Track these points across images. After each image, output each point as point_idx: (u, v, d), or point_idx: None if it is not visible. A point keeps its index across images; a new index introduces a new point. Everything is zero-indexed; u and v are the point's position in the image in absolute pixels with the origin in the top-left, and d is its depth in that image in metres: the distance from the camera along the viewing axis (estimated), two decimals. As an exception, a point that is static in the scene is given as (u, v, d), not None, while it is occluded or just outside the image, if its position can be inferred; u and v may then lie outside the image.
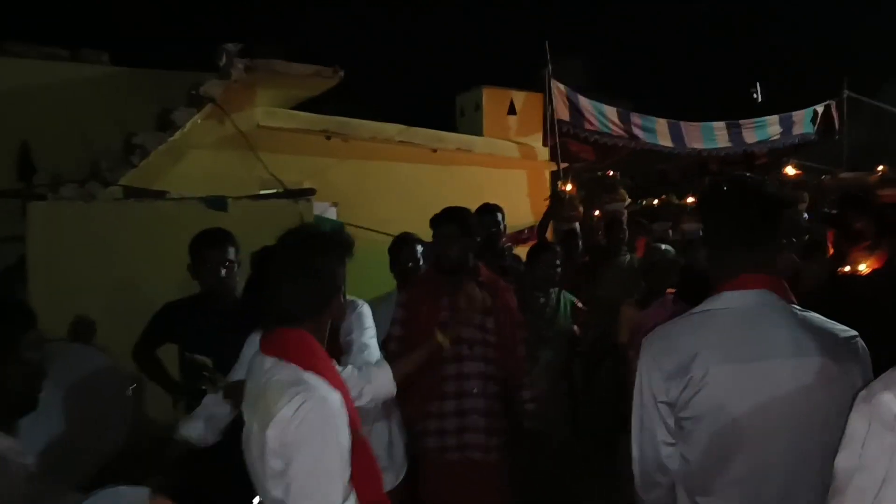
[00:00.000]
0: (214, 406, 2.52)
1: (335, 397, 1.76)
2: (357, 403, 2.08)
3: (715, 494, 1.69)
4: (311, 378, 1.76)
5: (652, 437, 1.74)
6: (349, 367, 2.33)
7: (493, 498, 3.22)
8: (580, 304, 4.38)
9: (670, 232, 7.82)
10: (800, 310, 1.74)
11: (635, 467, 1.80)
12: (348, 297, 2.21)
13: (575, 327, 4.28)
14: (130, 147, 5.80)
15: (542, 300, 4.19)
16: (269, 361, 1.82)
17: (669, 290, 3.92)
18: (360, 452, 1.80)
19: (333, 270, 1.89)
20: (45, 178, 5.47)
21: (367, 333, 2.80)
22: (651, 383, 1.73)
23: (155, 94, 6.37)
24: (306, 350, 1.82)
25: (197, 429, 2.51)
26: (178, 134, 5.94)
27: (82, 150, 5.94)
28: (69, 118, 6.22)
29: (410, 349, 3.10)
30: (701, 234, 1.91)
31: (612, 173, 9.17)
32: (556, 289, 4.30)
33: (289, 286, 1.87)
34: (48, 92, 6.36)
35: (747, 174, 1.91)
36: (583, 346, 4.46)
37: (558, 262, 4.24)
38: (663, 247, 4.61)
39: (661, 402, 1.71)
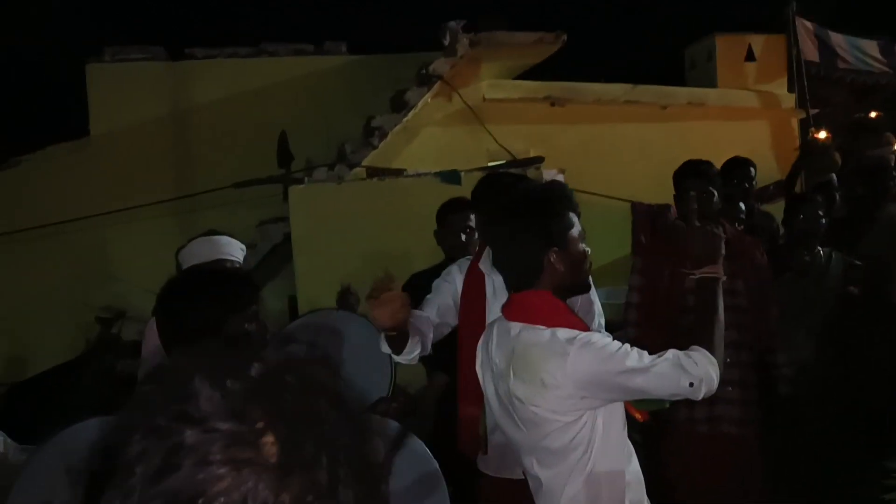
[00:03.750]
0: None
1: (597, 335, 1.81)
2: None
3: None
4: (565, 331, 1.79)
5: None
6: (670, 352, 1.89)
7: (747, 476, 2.97)
8: (857, 262, 3.87)
9: None
10: None
11: None
12: None
13: (851, 288, 3.77)
14: (370, 130, 6.24)
15: (807, 258, 3.76)
16: (515, 327, 1.85)
17: None
18: None
19: (537, 227, 1.84)
20: (300, 164, 6.07)
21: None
22: None
23: (389, 77, 6.77)
24: (546, 310, 1.83)
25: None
26: (410, 114, 6.26)
27: (329, 136, 6.51)
28: (316, 107, 6.83)
29: (650, 318, 3.00)
30: None
31: (875, 114, 8.10)
32: (826, 248, 3.84)
33: (499, 251, 1.93)
34: (298, 85, 7.01)
35: None
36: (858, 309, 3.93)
37: (822, 213, 3.82)
38: None
39: None
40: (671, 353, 1.82)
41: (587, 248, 1.92)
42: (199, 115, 6.96)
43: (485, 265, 2.68)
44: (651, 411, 1.98)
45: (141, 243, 6.39)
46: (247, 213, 6.27)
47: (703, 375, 1.82)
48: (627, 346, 1.81)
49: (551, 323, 1.80)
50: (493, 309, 2.72)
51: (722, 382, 2.83)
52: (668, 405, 2.07)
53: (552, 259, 1.83)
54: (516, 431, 1.88)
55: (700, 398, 1.86)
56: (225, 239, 2.82)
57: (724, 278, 2.04)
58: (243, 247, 2.78)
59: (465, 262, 2.84)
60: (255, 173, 6.03)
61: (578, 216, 1.93)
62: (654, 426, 2.33)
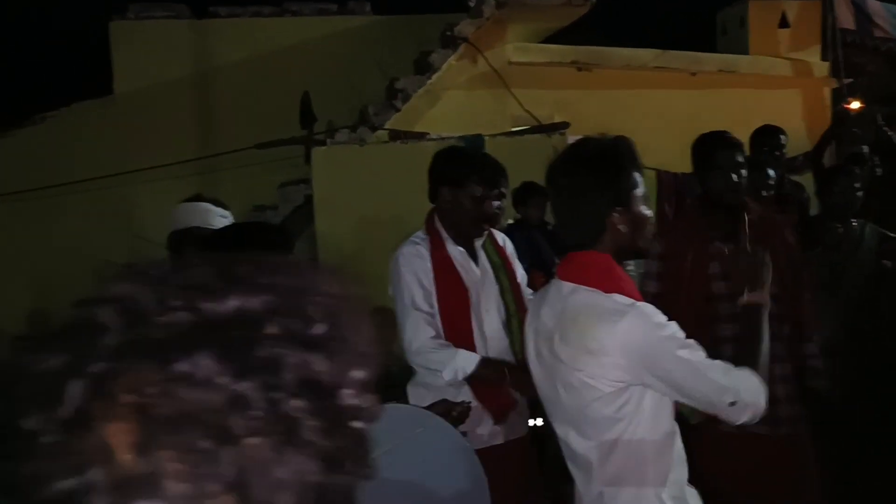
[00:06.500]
0: None
1: (652, 309, 1.73)
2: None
3: None
4: (621, 298, 1.71)
5: None
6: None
7: (787, 479, 2.68)
8: (892, 235, 3.74)
9: None
10: None
11: None
12: None
13: (886, 262, 3.65)
14: (393, 92, 6.16)
15: (841, 231, 3.65)
16: (568, 287, 1.78)
17: None
18: None
19: (597, 186, 1.76)
20: (322, 125, 6.02)
21: None
22: None
23: (413, 38, 6.67)
24: (603, 273, 1.76)
25: None
26: (434, 77, 6.18)
27: (352, 98, 6.45)
28: (339, 68, 6.76)
29: (671, 307, 2.78)
30: None
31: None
32: (860, 220, 3.70)
33: (562, 206, 1.85)
34: (321, 45, 6.94)
35: None
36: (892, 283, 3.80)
37: (858, 185, 3.67)
38: None
39: None
40: (725, 364, 1.74)
41: (650, 212, 1.86)
42: (222, 75, 6.92)
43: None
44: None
45: (163, 202, 6.40)
46: (268, 174, 6.26)
47: (750, 401, 1.72)
48: (683, 335, 1.73)
49: (607, 287, 1.73)
50: (487, 289, 2.68)
51: None
52: (692, 420, 1.99)
53: (615, 219, 1.76)
54: (556, 396, 1.80)
55: (738, 422, 1.75)
56: (203, 206, 2.79)
57: (770, 305, 1.99)
58: (225, 213, 2.73)
59: (410, 248, 2.67)
60: (278, 134, 6.01)
61: (642, 177, 1.86)
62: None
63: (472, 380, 2.54)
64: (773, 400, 2.67)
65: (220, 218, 2.70)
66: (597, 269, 1.77)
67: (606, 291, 1.72)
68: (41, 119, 6.73)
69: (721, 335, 2.70)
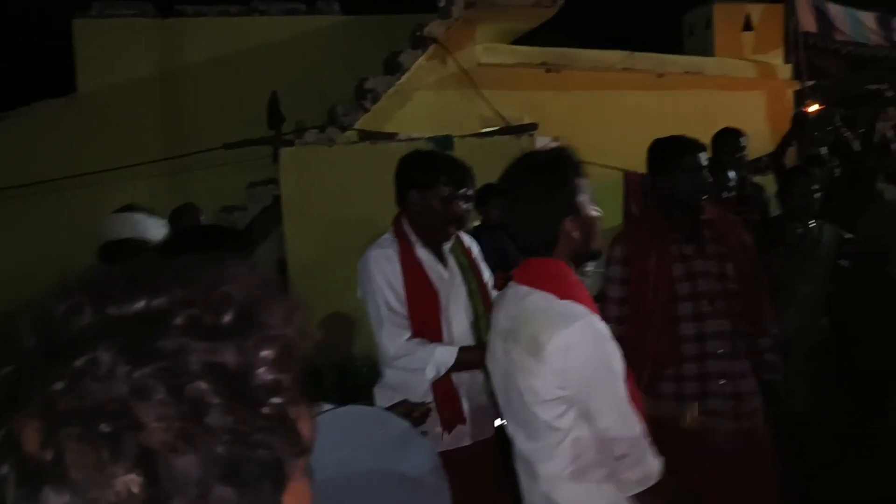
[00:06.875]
0: None
1: (599, 322, 1.75)
2: None
3: None
4: (571, 305, 1.75)
5: None
6: None
7: (754, 471, 2.72)
8: (848, 235, 3.83)
9: None
10: None
11: None
12: None
13: (843, 262, 3.73)
14: (362, 92, 6.15)
15: (800, 231, 3.74)
16: (524, 290, 1.83)
17: None
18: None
19: (548, 196, 1.83)
20: (291, 125, 5.99)
21: None
22: None
23: (382, 38, 6.67)
24: (558, 277, 1.81)
25: None
26: (404, 77, 6.18)
27: (321, 98, 6.42)
28: (308, 68, 6.73)
29: (637, 310, 2.74)
30: None
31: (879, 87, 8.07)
32: (818, 220, 3.79)
33: (516, 218, 1.91)
34: (289, 45, 6.90)
35: None
36: (852, 283, 3.89)
37: (816, 186, 3.74)
38: None
39: None
40: (636, 419, 1.76)
41: (599, 212, 1.91)
42: (189, 74, 6.85)
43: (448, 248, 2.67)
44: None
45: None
46: (236, 174, 6.20)
47: (644, 462, 1.75)
48: (622, 366, 1.75)
49: (562, 293, 1.77)
50: (455, 291, 2.68)
51: (714, 376, 2.71)
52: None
53: (568, 226, 1.82)
54: (507, 397, 1.86)
55: (624, 479, 1.75)
56: (139, 216, 2.76)
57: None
58: (162, 223, 2.71)
59: (379, 251, 2.64)
60: (246, 134, 5.96)
61: (587, 181, 1.91)
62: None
63: (453, 370, 2.56)
64: (737, 395, 2.78)
65: (155, 228, 2.67)
66: (552, 275, 1.82)
67: (561, 297, 1.76)
68: (1, 117, 6.59)
69: (684, 334, 2.75)
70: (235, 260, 0.65)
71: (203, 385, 0.55)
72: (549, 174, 1.86)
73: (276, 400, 0.58)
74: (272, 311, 0.61)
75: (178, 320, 0.57)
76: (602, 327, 1.75)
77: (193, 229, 2.13)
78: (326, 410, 1.67)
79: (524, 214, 1.88)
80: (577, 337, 1.69)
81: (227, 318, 0.58)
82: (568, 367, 1.70)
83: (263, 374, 0.58)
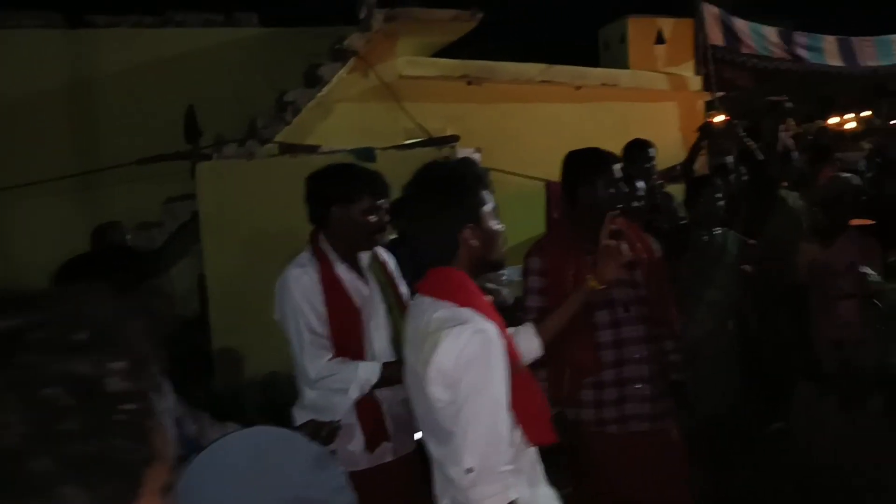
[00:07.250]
0: None
1: (491, 328, 1.78)
2: None
3: None
4: (467, 312, 1.78)
5: None
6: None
7: (668, 470, 2.81)
8: (751, 241, 4.02)
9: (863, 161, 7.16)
10: None
11: None
12: None
13: (746, 267, 3.90)
14: (283, 105, 6.08)
15: (706, 238, 3.91)
16: (426, 301, 1.86)
17: (854, 222, 3.60)
18: (521, 383, 1.82)
19: (450, 205, 1.86)
20: (210, 139, 5.86)
21: None
22: None
23: (302, 51, 6.61)
24: (457, 287, 1.84)
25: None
26: (325, 89, 6.15)
27: (240, 111, 6.31)
28: (227, 80, 6.61)
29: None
30: None
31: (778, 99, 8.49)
32: (723, 228, 3.96)
33: (415, 228, 1.93)
34: (207, 57, 6.76)
35: None
36: (756, 287, 4.07)
37: (720, 195, 3.90)
38: (845, 175, 4.22)
39: None
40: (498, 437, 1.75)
41: (501, 226, 1.94)
42: (102, 87, 6.63)
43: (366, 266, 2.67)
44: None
45: (39, 221, 6.06)
46: (152, 190, 6.03)
47: (489, 481, 1.71)
48: (504, 390, 1.75)
49: (461, 301, 1.81)
50: (375, 307, 2.67)
51: (631, 380, 2.80)
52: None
53: (467, 234, 1.85)
54: (417, 404, 1.89)
55: (466, 498, 1.74)
56: None
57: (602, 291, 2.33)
58: None
59: (299, 271, 2.60)
60: (162, 149, 5.80)
61: (491, 193, 1.95)
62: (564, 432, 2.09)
63: (377, 386, 2.54)
64: (653, 398, 2.86)
65: None
66: (451, 283, 1.85)
67: (461, 305, 1.80)
68: None
69: (602, 341, 2.83)
70: (104, 287, 0.70)
71: (56, 391, 0.60)
72: (448, 183, 1.89)
73: (128, 406, 0.63)
74: (128, 330, 0.67)
75: (35, 337, 0.62)
76: (492, 330, 1.77)
77: (87, 255, 2.06)
78: (231, 432, 1.64)
79: (424, 225, 1.90)
80: (463, 341, 1.72)
81: (82, 335, 0.63)
82: (455, 370, 1.72)
83: (115, 382, 0.63)
